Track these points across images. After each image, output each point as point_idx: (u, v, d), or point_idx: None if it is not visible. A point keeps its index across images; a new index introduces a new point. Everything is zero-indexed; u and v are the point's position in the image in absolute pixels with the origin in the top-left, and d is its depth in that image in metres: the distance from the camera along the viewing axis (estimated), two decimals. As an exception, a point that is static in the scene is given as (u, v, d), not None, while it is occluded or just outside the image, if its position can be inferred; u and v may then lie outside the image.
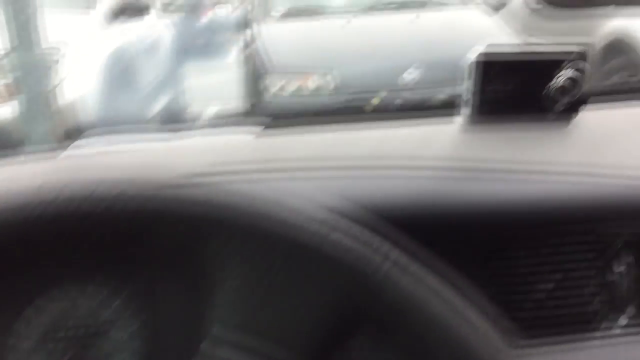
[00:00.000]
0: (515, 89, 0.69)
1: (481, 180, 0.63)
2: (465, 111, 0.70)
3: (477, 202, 0.61)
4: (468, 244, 0.62)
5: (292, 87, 3.54)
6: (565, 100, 0.69)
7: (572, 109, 0.70)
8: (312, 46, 3.69)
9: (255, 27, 4.08)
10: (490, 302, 0.52)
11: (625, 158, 0.65)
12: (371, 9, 4.18)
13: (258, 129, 0.77)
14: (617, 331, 0.63)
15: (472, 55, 0.68)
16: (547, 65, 0.69)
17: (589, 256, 0.63)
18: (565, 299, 0.62)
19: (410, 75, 3.45)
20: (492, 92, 0.69)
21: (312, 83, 3.52)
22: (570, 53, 0.68)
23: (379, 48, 3.72)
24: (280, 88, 3.54)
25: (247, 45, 4.15)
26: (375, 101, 0.90)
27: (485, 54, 0.67)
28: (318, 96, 3.52)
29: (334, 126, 0.75)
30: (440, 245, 0.60)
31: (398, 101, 0.89)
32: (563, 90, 0.69)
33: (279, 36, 3.93)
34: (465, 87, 0.69)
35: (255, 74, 3.70)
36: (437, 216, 0.61)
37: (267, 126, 0.78)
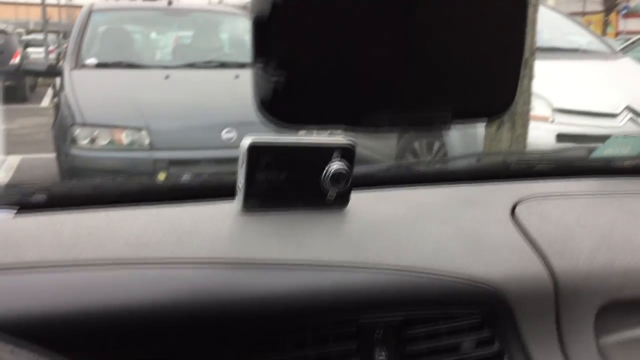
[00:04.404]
0: (287, 179, 0.69)
1: (247, 274, 0.62)
2: (239, 199, 0.69)
3: (240, 298, 0.60)
4: (232, 339, 0.60)
5: (103, 140, 3.37)
6: (336, 189, 0.71)
7: (343, 197, 0.72)
8: (127, 100, 3.57)
9: (66, 74, 3.86)
10: None
11: (388, 249, 0.68)
12: (191, 65, 4.16)
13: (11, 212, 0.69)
14: None
15: (244, 143, 0.67)
16: (318, 156, 0.70)
17: (350, 347, 0.63)
18: None
19: (228, 134, 3.45)
20: (264, 181, 0.68)
21: (125, 138, 3.38)
22: (339, 145, 0.70)
23: (197, 105, 3.69)
24: (90, 141, 3.36)
25: (56, 94, 3.90)
26: (160, 177, 0.87)
27: (256, 143, 0.67)
28: (131, 151, 3.39)
29: (106, 208, 0.70)
30: (182, 344, 0.57)
31: (185, 177, 0.87)
32: (333, 180, 0.70)
33: (91, 86, 3.75)
34: (238, 175, 0.68)
35: (63, 125, 3.48)
36: (202, 313, 0.58)
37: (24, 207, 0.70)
